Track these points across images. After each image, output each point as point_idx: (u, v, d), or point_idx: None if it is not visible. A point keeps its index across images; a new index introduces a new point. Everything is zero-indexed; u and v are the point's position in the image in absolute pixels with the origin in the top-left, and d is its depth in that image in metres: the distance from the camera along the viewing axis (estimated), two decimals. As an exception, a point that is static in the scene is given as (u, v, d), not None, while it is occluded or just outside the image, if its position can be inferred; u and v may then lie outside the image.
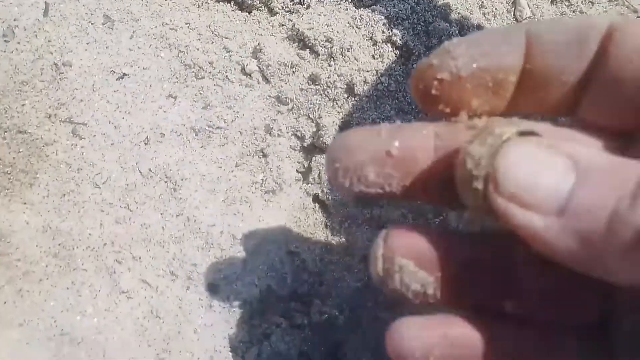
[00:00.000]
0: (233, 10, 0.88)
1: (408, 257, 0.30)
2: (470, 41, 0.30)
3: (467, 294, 0.32)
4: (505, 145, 0.25)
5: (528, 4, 0.91)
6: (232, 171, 0.77)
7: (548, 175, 0.23)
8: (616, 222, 0.21)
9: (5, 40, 0.79)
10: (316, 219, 0.78)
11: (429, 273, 0.31)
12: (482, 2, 0.89)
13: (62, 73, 0.79)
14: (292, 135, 0.79)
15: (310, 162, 0.79)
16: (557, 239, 0.22)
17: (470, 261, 0.32)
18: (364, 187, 0.31)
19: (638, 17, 0.93)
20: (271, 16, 0.88)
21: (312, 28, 0.81)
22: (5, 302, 0.70)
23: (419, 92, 0.31)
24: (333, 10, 0.83)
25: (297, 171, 0.79)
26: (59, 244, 0.72)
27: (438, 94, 0.31)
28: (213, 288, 0.69)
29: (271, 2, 0.87)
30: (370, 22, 0.80)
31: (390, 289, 0.32)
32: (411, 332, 0.30)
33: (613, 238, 0.21)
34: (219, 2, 0.88)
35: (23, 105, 0.76)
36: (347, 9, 0.83)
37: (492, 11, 0.89)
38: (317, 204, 0.78)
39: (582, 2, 0.92)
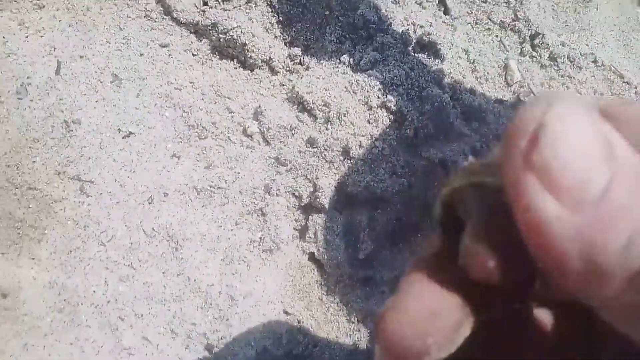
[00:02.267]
0: (236, 68, 0.92)
1: None
2: None
3: None
4: (558, 102, 0.20)
5: (518, 68, 0.95)
6: (232, 230, 0.80)
7: (586, 159, 0.19)
8: (634, 245, 0.18)
9: (18, 98, 0.82)
10: (312, 277, 0.81)
11: None
12: (475, 66, 0.93)
13: (72, 131, 0.82)
14: (290, 195, 0.83)
15: (307, 220, 0.82)
16: (562, 238, 0.19)
17: None
18: None
19: (624, 82, 0.97)
20: (272, 75, 0.92)
21: (311, 92, 0.84)
22: (11, 356, 0.73)
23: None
24: (331, 74, 0.87)
25: (294, 229, 0.83)
26: (65, 300, 0.75)
27: None
28: (211, 348, 0.72)
29: (272, 62, 0.91)
30: (366, 88, 0.84)
31: None
32: None
33: (624, 262, 0.18)
34: (222, 60, 0.92)
35: (34, 162, 0.80)
36: (344, 73, 0.87)
37: (485, 75, 0.93)
38: (312, 263, 0.82)
39: (570, 67, 0.96)
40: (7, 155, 0.80)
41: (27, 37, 0.87)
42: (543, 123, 0.19)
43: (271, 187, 0.82)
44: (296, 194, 0.83)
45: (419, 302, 0.23)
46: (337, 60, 0.89)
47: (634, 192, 0.19)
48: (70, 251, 0.77)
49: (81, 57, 0.87)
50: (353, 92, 0.85)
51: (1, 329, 0.73)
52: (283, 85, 0.90)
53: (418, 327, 0.23)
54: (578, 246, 0.18)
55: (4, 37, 0.86)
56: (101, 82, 0.86)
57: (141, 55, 0.90)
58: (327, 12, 0.92)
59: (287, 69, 0.92)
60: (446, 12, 0.96)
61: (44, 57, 0.86)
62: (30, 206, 0.78)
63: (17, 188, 0.79)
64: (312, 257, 0.82)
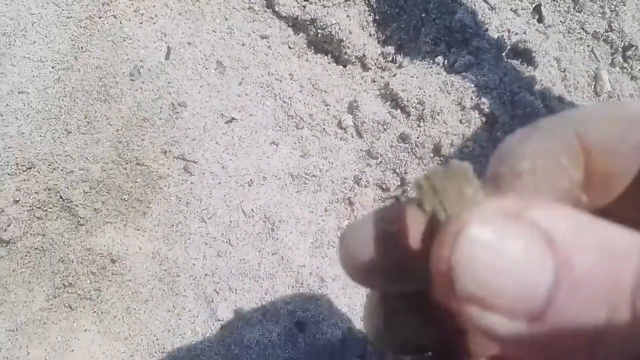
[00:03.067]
0: (330, 63, 0.96)
1: None
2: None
3: None
4: (464, 230, 0.18)
5: (609, 79, 0.95)
6: (321, 216, 0.84)
7: (519, 270, 0.17)
8: (600, 345, 0.16)
9: (131, 79, 0.88)
10: (394, 267, 0.84)
11: None
12: (565, 75, 0.94)
13: (178, 113, 0.88)
14: (377, 187, 0.86)
15: (393, 213, 0.85)
16: (530, 349, 0.17)
17: None
18: None
19: None
20: (364, 71, 0.95)
21: (406, 90, 0.87)
22: (115, 317, 0.79)
23: None
24: (425, 74, 0.90)
25: (379, 221, 0.86)
26: (165, 270, 0.80)
27: None
28: (301, 325, 0.76)
29: (365, 59, 0.94)
30: (460, 89, 0.87)
31: None
32: None
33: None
34: (317, 54, 0.96)
35: (143, 139, 0.86)
36: (438, 73, 0.90)
37: (574, 84, 0.94)
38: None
39: (663, 81, 0.96)
40: (119, 132, 0.86)
41: (141, 23, 0.93)
42: (451, 265, 0.17)
43: (360, 179, 0.85)
44: (383, 186, 0.86)
45: (374, 229, 0.23)
46: (431, 61, 0.92)
47: (588, 277, 0.16)
48: (173, 225, 0.82)
49: (189, 44, 0.93)
50: (447, 93, 0.87)
51: (108, 291, 0.79)
52: (374, 81, 0.94)
53: (365, 246, 0.22)
54: (551, 352, 0.17)
55: (120, 23, 0.92)
56: (206, 68, 0.92)
57: (243, 45, 0.94)
58: (423, 15, 0.94)
59: (379, 66, 0.95)
60: (540, 20, 0.97)
61: (155, 42, 0.92)
62: (138, 181, 0.84)
63: (127, 163, 0.84)
64: (396, 249, 0.85)
